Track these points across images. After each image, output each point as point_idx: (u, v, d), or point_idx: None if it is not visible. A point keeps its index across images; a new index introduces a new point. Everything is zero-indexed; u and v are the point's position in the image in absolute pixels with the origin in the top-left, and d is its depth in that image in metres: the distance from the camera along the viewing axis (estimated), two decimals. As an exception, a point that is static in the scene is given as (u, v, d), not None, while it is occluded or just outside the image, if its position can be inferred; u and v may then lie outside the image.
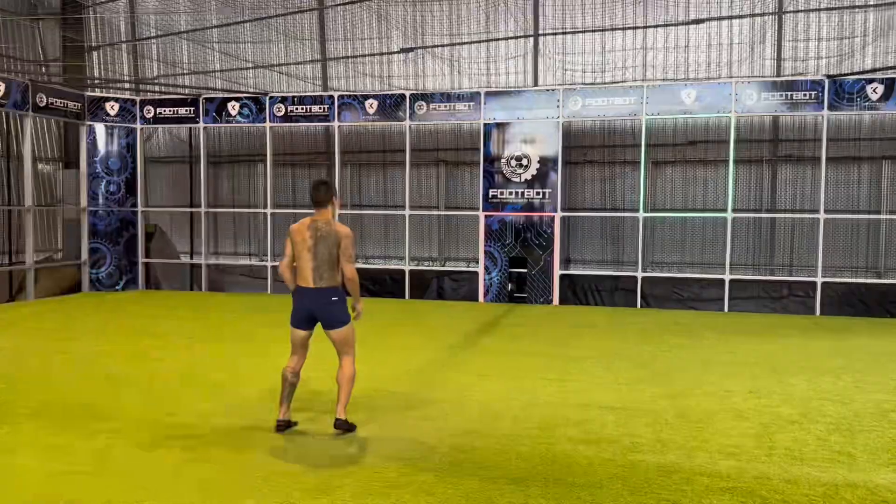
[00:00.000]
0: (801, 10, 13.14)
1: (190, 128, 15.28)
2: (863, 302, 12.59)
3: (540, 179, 13.04)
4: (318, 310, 5.34)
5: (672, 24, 13.46)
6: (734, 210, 12.81)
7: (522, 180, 13.12)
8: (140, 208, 14.83)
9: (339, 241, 5.34)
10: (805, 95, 11.94)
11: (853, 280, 12.68)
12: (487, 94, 13.26)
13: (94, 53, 16.48)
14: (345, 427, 5.36)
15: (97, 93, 14.95)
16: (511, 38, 14.33)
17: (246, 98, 14.38)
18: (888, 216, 12.64)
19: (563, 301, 13.23)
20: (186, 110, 14.59)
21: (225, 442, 5.21)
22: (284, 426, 5.41)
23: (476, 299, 13.57)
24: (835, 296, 12.65)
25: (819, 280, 12.21)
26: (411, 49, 14.48)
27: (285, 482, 4.43)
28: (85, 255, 14.42)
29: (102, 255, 14.54)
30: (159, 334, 9.73)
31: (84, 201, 14.37)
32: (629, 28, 13.82)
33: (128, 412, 5.95)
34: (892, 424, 5.75)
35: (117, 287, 14.63)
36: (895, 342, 9.57)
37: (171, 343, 9.10)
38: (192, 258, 15.94)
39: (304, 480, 4.46)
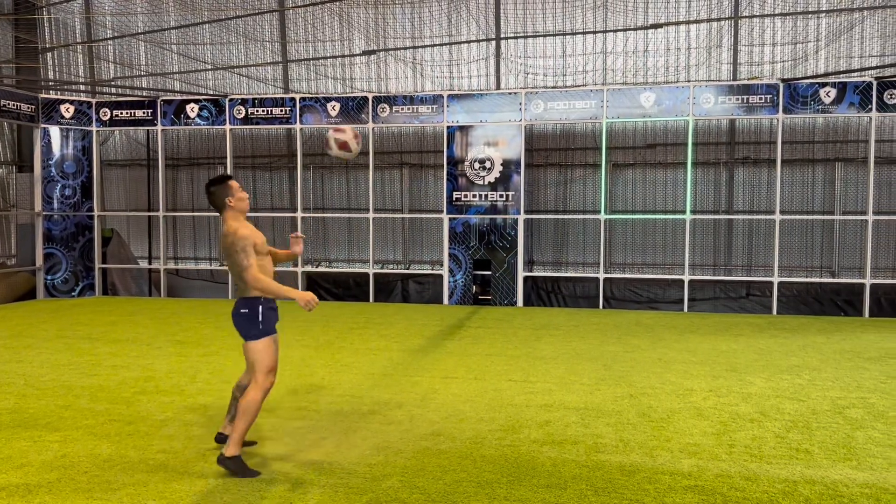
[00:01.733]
0: (757, 16, 13.43)
1: (147, 130, 15.03)
2: (818, 301, 12.91)
3: (503, 182, 13.10)
4: (233, 320, 4.81)
5: (631, 29, 13.65)
6: (693, 212, 13.04)
7: (486, 183, 13.17)
8: (96, 212, 14.53)
9: (225, 247, 4.69)
10: (760, 99, 12.21)
11: (808, 280, 12.99)
12: (450, 96, 13.28)
13: (49, 55, 16.10)
14: (229, 467, 4.57)
15: (52, 95, 14.61)
16: (473, 41, 14.39)
17: (205, 100, 14.18)
18: (841, 217, 12.97)
19: (527, 303, 13.31)
20: (144, 112, 14.34)
21: (185, 452, 5.12)
22: (221, 439, 5.12)
23: (441, 302, 13.58)
24: (791, 295, 12.96)
25: (775, 280, 12.48)
26: (373, 51, 14.43)
27: (248, 492, 4.37)
28: (39, 261, 14.08)
29: (58, 261, 14.21)
30: (116, 341, 9.53)
31: (38, 205, 14.04)
32: (589, 32, 13.97)
33: (84, 422, 5.82)
34: (848, 421, 5.89)
35: (73, 293, 14.32)
36: (849, 340, 9.81)
37: (129, 350, 8.92)
38: (150, 263, 15.67)
39: (268, 491, 4.41)
